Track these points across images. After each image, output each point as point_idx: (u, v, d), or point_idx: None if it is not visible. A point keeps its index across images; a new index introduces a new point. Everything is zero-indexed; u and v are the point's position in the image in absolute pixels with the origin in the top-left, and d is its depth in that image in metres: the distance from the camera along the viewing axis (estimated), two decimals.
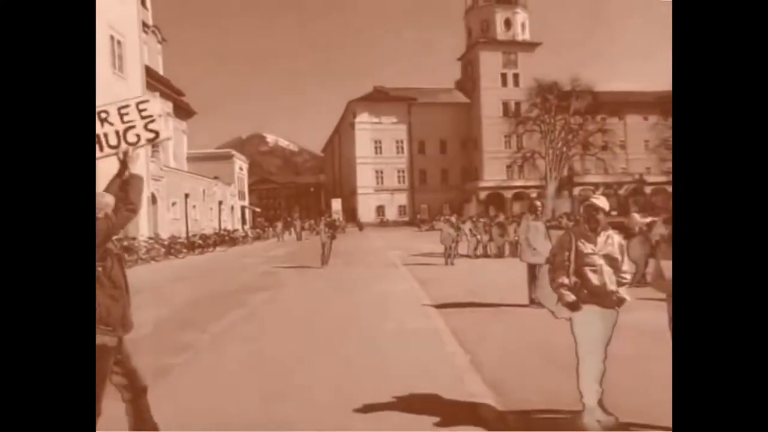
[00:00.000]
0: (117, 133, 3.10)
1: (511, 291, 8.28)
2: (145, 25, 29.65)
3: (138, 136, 3.11)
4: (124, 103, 3.13)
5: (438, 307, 7.81)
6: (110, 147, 3.08)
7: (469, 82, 57.04)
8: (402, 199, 57.60)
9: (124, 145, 3.08)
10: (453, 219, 16.90)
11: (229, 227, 35.80)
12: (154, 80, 30.28)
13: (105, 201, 2.85)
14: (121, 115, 3.11)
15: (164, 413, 3.18)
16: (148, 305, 8.77)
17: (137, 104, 3.15)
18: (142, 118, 3.14)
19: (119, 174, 3.04)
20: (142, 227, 22.17)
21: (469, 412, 3.59)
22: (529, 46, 55.05)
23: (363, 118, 57.09)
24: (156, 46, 36.88)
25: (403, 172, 57.80)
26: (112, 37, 20.75)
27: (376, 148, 57.31)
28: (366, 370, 4.75)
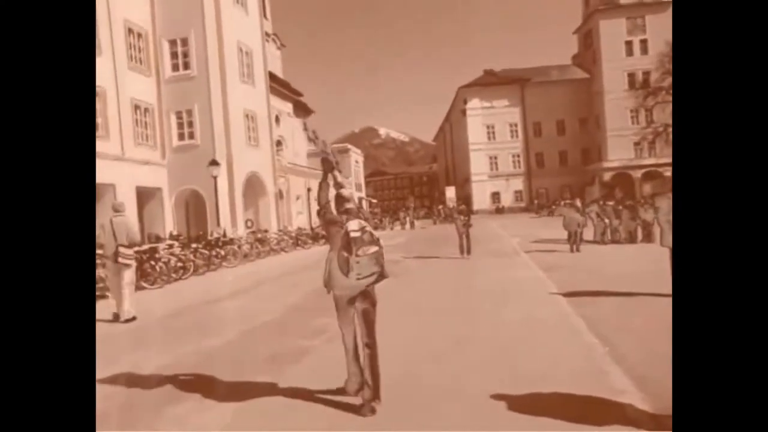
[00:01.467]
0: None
1: (648, 279, 7.65)
2: (266, 34, 31.87)
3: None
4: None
5: (567, 295, 7.47)
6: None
7: (588, 56, 53.06)
8: (518, 184, 55.63)
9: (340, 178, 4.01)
10: (578, 203, 15.95)
11: None
12: (275, 84, 32.49)
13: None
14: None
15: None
16: (297, 287, 9.52)
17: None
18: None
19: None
20: (272, 221, 24.05)
21: (617, 411, 3.40)
22: (659, 5, 48.96)
23: (474, 104, 55.92)
24: (276, 52, 39.48)
25: (518, 156, 55.74)
26: (240, 49, 22.62)
27: (488, 133, 55.88)
28: (495, 361, 4.72)
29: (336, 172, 3.99)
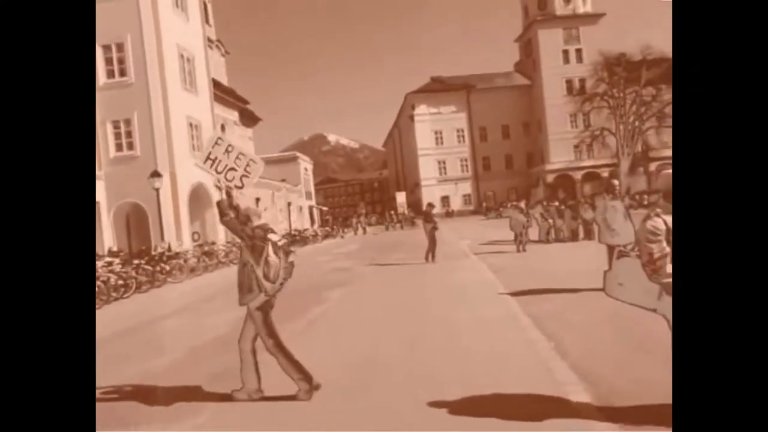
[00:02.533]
0: (225, 166, 4.25)
1: (591, 275, 7.95)
2: (209, 40, 31.13)
3: (232, 178, 4.26)
4: (243, 152, 4.31)
5: (515, 295, 7.66)
6: (216, 171, 4.27)
7: (529, 63, 55.16)
8: (466, 188, 56.85)
9: (224, 182, 4.25)
10: (522, 205, 16.46)
11: (299, 227, 36.95)
12: (220, 91, 31.73)
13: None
14: (235, 157, 4.24)
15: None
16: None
17: (250, 160, 4.29)
18: (245, 171, 4.25)
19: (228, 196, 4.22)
20: (220, 233, 23.39)
21: (562, 404, 3.49)
22: (592, 18, 52.16)
23: (422, 110, 56.80)
24: (220, 59, 38.59)
25: (465, 160, 57.00)
26: (182, 56, 21.95)
27: (436, 138, 56.87)
28: (446, 360, 4.75)
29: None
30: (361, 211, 58.36)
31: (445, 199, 56.57)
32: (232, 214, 4.13)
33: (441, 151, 56.72)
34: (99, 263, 12.87)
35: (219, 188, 4.29)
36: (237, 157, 4.26)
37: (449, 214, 53.55)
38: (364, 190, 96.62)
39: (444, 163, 56.88)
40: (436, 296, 8.57)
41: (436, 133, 56.79)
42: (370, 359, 5.05)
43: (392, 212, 47.56)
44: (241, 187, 4.27)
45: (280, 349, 4.05)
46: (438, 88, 57.21)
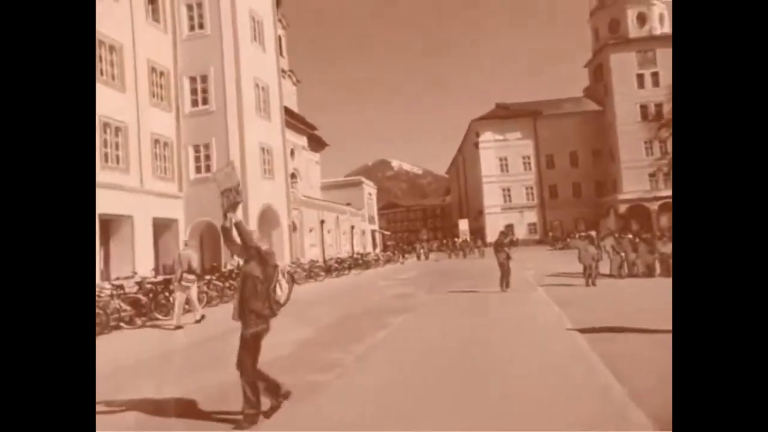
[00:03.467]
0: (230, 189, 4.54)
1: (668, 314, 7.48)
2: (282, 70, 32.73)
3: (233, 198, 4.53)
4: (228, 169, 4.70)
5: (583, 332, 7.33)
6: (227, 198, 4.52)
7: (599, 88, 53.46)
8: (532, 216, 55.36)
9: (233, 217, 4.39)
10: (593, 234, 15.76)
11: (361, 251, 37.38)
12: (291, 118, 33.16)
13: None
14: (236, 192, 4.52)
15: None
16: (313, 320, 9.49)
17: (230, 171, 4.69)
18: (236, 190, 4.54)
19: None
20: (285, 252, 24.14)
21: None
22: (668, 39, 49.64)
23: (486, 137, 56.34)
24: (291, 88, 40.45)
25: (531, 188, 55.67)
26: (257, 85, 23.23)
27: (501, 165, 56.05)
28: (508, 402, 4.62)
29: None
30: (423, 237, 58.21)
31: (508, 228, 55.36)
32: (238, 240, 4.31)
33: (506, 178, 55.77)
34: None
35: (225, 213, 4.49)
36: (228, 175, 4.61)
37: (513, 243, 52.20)
38: (427, 216, 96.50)
39: (509, 190, 55.82)
40: (497, 329, 8.35)
41: (501, 159, 56.00)
42: (426, 391, 4.99)
43: (454, 239, 47.08)
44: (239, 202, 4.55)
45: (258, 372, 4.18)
46: (503, 115, 56.64)
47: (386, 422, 4.11)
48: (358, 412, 4.44)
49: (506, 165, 55.91)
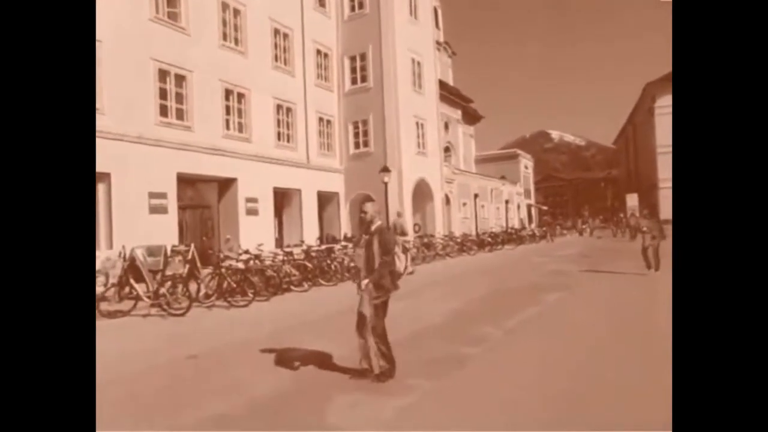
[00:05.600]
0: None
1: None
2: (437, 43, 32.71)
3: None
4: None
5: None
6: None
7: None
8: None
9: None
10: None
11: (516, 225, 36.28)
12: (445, 91, 33.11)
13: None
14: None
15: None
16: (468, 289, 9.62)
17: None
18: None
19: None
20: (438, 226, 24.54)
21: None
22: None
23: (664, 101, 49.72)
24: (447, 60, 40.22)
25: None
26: (412, 60, 23.60)
27: None
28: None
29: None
30: (585, 213, 54.27)
31: None
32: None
33: None
34: (336, 246, 14.78)
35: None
36: None
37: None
38: (589, 190, 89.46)
39: None
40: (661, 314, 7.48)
41: None
42: (578, 374, 4.71)
43: (621, 216, 43.05)
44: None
45: (384, 335, 4.56)
46: None
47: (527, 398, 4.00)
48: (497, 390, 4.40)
49: None
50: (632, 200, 45.76)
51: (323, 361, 5.28)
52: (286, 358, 5.42)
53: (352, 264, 13.49)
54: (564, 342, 6.02)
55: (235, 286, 9.73)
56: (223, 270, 9.95)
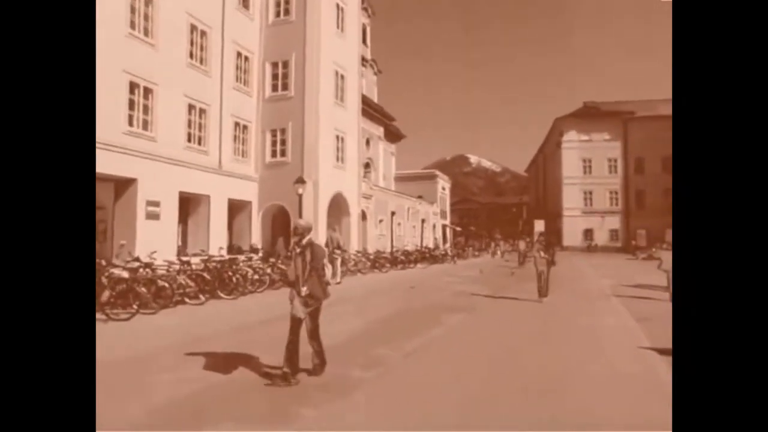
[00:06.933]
0: None
1: None
2: (364, 59, 32.88)
3: None
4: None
5: (662, 353, 6.51)
6: None
7: None
8: (614, 222, 52.06)
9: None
10: None
11: (431, 245, 36.94)
12: (369, 107, 33.26)
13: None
14: None
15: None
16: (361, 312, 9.31)
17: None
18: None
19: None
20: (352, 241, 24.26)
21: None
22: None
23: (570, 137, 53.59)
24: (372, 78, 40.55)
25: (616, 193, 52.32)
26: (336, 72, 23.39)
27: (585, 167, 53.13)
28: (565, 421, 4.09)
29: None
30: (497, 236, 56.61)
31: (588, 233, 52.47)
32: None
33: (589, 180, 52.80)
34: (241, 257, 14.01)
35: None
36: None
37: (591, 249, 49.46)
38: (502, 214, 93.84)
39: (591, 193, 52.83)
40: (563, 340, 7.68)
41: (584, 161, 53.07)
42: (475, 401, 4.56)
43: (539, 239, 45.29)
44: None
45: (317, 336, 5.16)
46: (591, 114, 53.50)
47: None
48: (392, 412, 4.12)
49: (590, 166, 52.91)
50: (539, 226, 48.36)
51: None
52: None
53: (255, 277, 12.83)
54: (459, 370, 5.89)
55: (115, 297, 8.76)
56: (104, 279, 8.94)
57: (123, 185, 16.03)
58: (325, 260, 5.20)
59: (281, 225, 22.78)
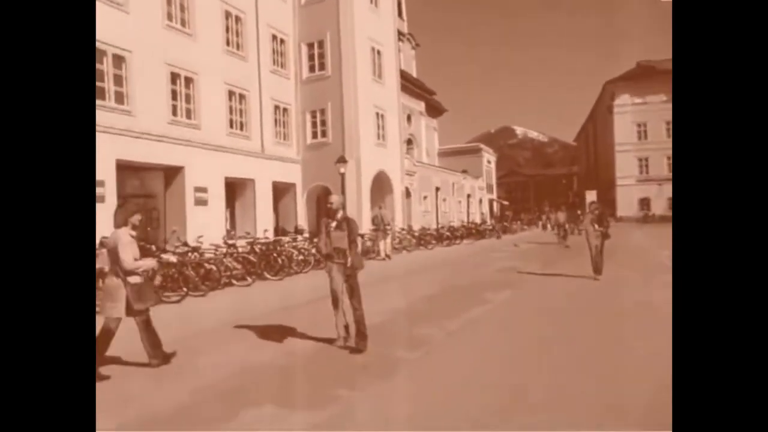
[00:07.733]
0: None
1: None
2: (400, 33, 32.25)
3: None
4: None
5: None
6: None
7: None
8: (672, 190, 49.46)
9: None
10: None
11: (477, 220, 36.37)
12: (408, 82, 32.71)
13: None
14: None
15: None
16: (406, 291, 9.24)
17: None
18: None
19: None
20: (397, 219, 24.17)
21: None
22: None
23: (623, 100, 50.93)
24: (410, 52, 39.80)
25: None
26: (372, 48, 23.04)
27: (639, 132, 50.51)
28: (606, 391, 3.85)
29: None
30: (546, 209, 55.10)
31: (644, 202, 50.13)
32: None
33: (644, 146, 50.18)
34: (285, 239, 14.20)
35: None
36: None
37: (648, 219, 47.25)
38: (550, 186, 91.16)
39: (646, 160, 50.26)
40: (615, 317, 7.32)
41: (638, 126, 50.41)
42: (519, 384, 4.38)
43: (592, 210, 43.66)
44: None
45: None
46: (645, 74, 50.46)
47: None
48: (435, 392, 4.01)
49: (645, 131, 50.23)
50: (591, 196, 46.56)
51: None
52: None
53: (300, 258, 12.98)
54: (502, 350, 5.70)
55: (164, 281, 9.07)
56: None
57: (171, 173, 16.53)
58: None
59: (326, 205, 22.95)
